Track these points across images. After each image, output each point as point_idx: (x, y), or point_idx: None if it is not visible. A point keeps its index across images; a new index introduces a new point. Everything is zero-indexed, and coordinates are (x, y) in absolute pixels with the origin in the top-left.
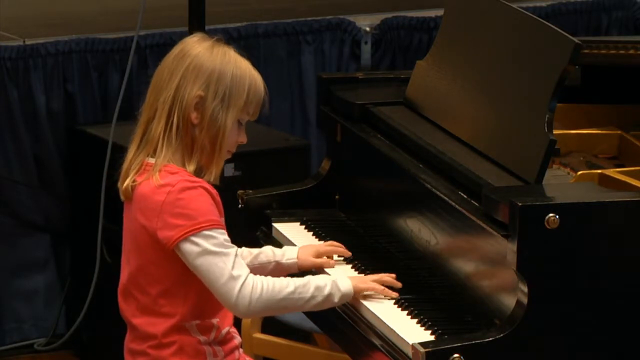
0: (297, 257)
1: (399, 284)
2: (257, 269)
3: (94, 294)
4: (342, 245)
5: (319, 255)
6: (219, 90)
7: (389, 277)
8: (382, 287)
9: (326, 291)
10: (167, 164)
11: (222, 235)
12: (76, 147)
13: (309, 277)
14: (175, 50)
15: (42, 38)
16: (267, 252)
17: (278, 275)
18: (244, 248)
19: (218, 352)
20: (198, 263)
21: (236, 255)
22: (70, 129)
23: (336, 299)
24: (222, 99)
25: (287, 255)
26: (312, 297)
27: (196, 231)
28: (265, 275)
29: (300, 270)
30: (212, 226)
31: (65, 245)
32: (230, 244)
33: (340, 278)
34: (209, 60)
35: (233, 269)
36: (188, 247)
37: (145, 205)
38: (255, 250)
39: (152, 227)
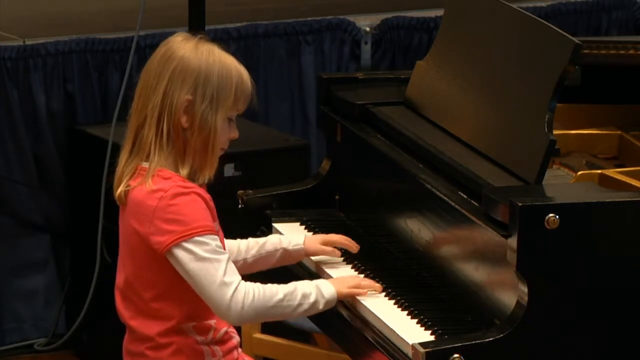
0: (304, 243)
1: (378, 287)
2: (264, 257)
3: (94, 294)
4: (351, 240)
5: (326, 243)
6: (206, 92)
7: (367, 282)
8: (365, 290)
9: (312, 298)
10: (161, 169)
11: (214, 241)
12: (76, 147)
13: (295, 284)
14: (160, 51)
15: (42, 38)
16: (274, 240)
17: (286, 263)
18: (250, 238)
19: (216, 351)
20: (189, 269)
21: (228, 261)
22: (70, 129)
23: (321, 306)
24: (211, 101)
25: (293, 242)
26: (299, 304)
27: (188, 237)
28: (274, 264)
29: (307, 257)
30: (204, 232)
31: (65, 245)
32: (221, 250)
33: (324, 285)
34: (195, 62)
35: (225, 275)
36: (180, 254)
37: (138, 210)
38: (261, 240)
39: (144, 232)
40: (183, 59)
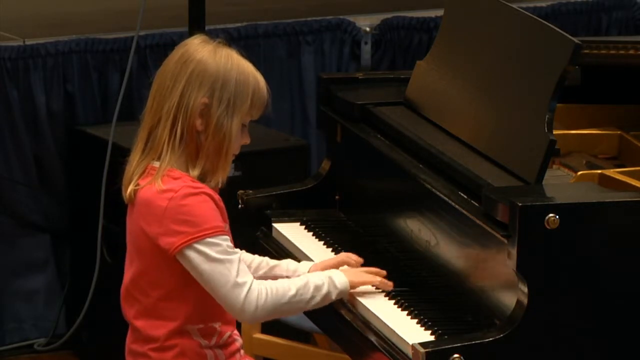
0: (308, 272)
1: (390, 285)
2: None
3: (94, 294)
4: (353, 255)
5: (328, 268)
6: (223, 97)
7: (380, 278)
8: (378, 279)
9: (324, 290)
10: (171, 169)
11: (225, 242)
12: (76, 147)
13: (307, 277)
14: (177, 53)
15: (42, 38)
16: (282, 266)
17: None
18: (265, 258)
19: (219, 355)
20: (202, 270)
21: (240, 261)
22: (70, 129)
23: (333, 297)
24: (227, 106)
25: (298, 271)
26: (312, 297)
27: (200, 238)
28: None
29: None
30: (216, 233)
31: (65, 245)
32: (233, 249)
33: (336, 274)
34: (213, 66)
35: (238, 276)
36: (192, 255)
37: (147, 210)
38: (273, 262)
39: (152, 232)
40: (201, 62)
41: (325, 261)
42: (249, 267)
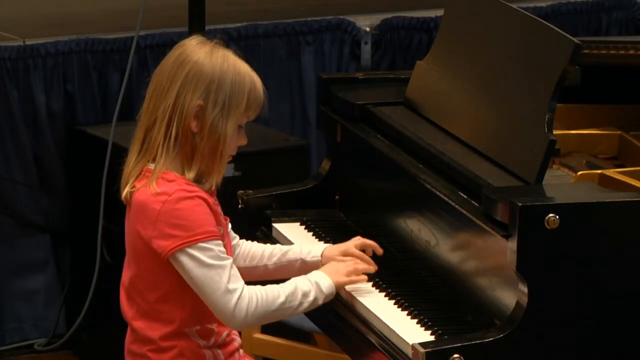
0: (321, 256)
1: (373, 269)
2: (285, 266)
3: (94, 294)
4: (375, 244)
5: (344, 254)
6: (218, 99)
7: (363, 265)
8: (362, 277)
9: (311, 296)
10: (166, 171)
11: (218, 247)
12: (76, 147)
13: (294, 282)
14: (174, 54)
15: (42, 38)
16: (296, 250)
17: (305, 273)
18: (277, 245)
19: (218, 355)
20: (193, 275)
21: (231, 266)
22: (70, 129)
23: (320, 302)
24: (222, 107)
25: (312, 253)
26: (300, 303)
27: (192, 243)
28: (295, 273)
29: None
30: (208, 238)
31: (65, 245)
32: (225, 255)
33: (322, 279)
34: (209, 67)
35: (229, 282)
36: (184, 259)
37: (142, 213)
38: (285, 248)
39: (147, 235)
40: (197, 64)
41: (342, 247)
42: (261, 257)
